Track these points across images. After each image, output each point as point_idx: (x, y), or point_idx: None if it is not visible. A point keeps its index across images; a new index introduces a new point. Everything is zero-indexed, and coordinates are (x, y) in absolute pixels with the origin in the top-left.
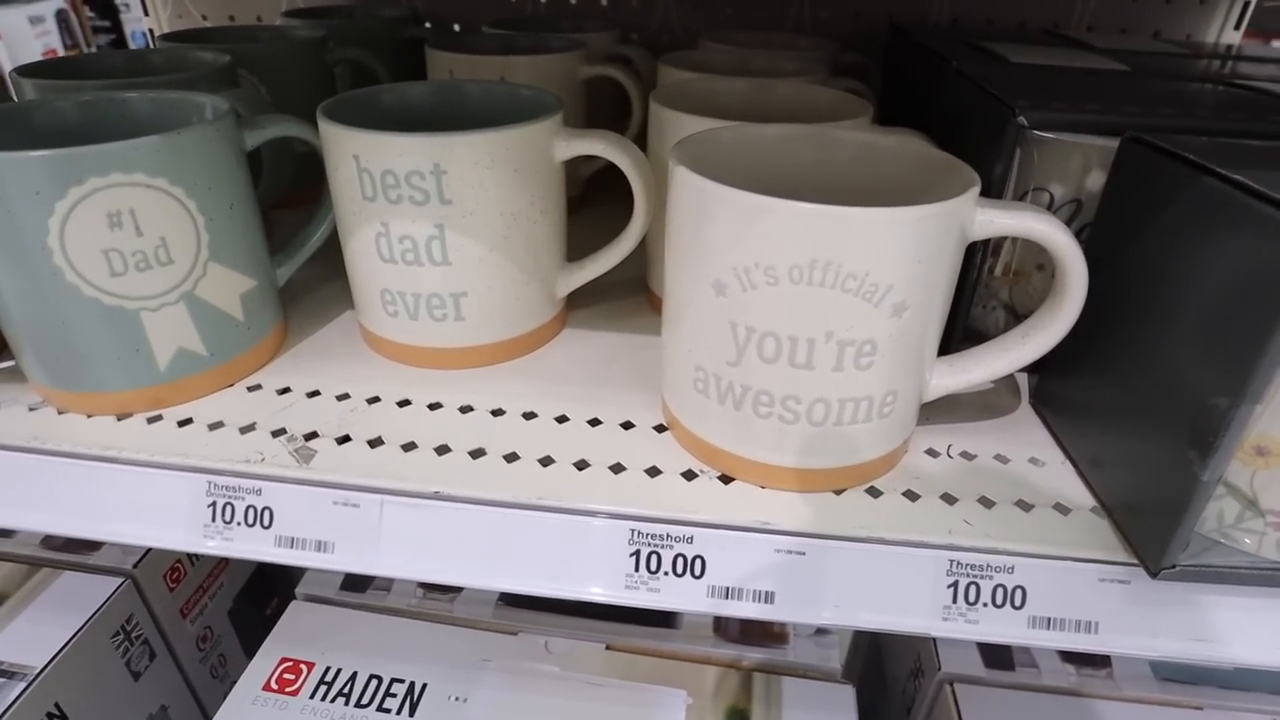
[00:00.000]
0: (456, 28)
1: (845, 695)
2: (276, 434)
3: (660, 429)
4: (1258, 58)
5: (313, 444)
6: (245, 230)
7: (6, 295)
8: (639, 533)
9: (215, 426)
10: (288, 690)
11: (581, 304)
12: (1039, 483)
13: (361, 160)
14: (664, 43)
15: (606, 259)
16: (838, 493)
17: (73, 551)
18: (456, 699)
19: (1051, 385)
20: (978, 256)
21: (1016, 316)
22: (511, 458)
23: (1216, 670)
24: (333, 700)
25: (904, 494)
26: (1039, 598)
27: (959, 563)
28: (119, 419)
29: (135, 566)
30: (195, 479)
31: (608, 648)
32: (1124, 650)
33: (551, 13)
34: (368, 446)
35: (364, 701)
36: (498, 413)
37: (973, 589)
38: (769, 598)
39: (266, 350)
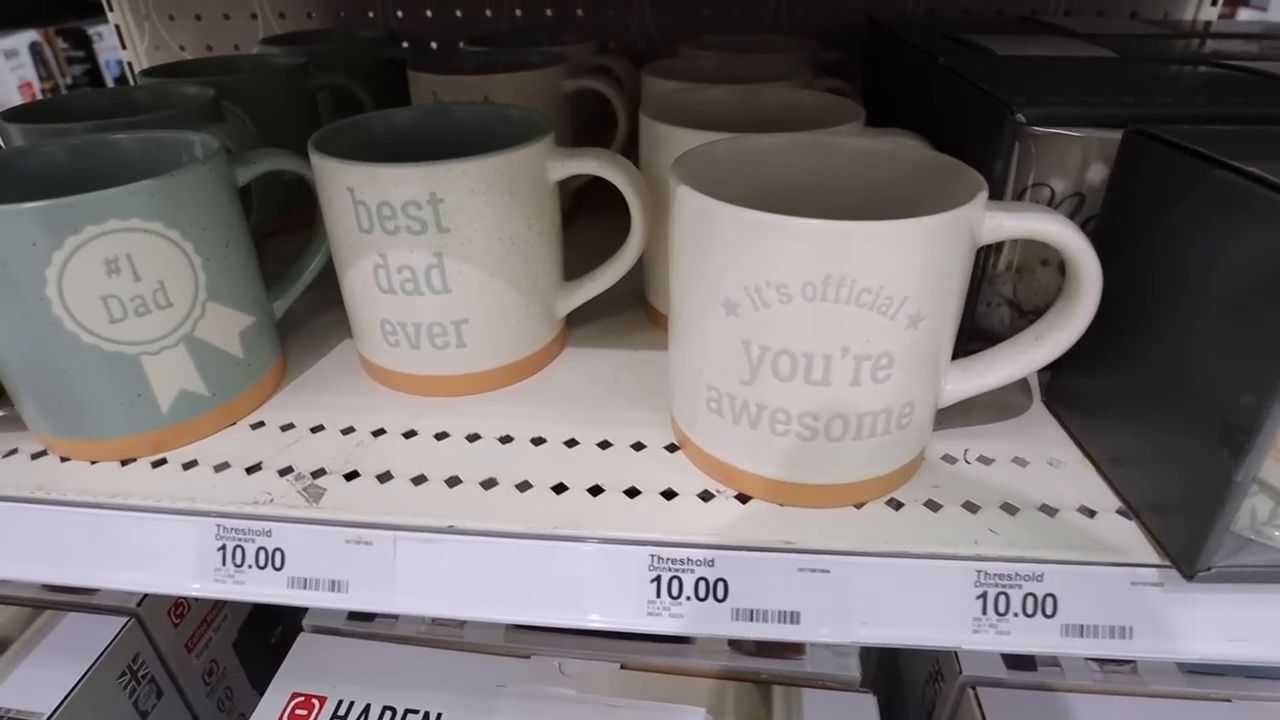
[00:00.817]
0: (434, 45)
1: (867, 705)
2: (283, 473)
3: (672, 448)
4: (1239, 34)
5: (321, 481)
6: (242, 267)
7: (5, 345)
8: (659, 558)
9: (221, 468)
10: None
11: (580, 321)
12: (1061, 485)
13: (356, 193)
14: (641, 49)
15: (605, 277)
16: (858, 506)
17: (75, 592)
18: None
19: (1065, 383)
20: (981, 254)
21: (1021, 313)
22: (524, 486)
23: None
24: None
25: (925, 504)
26: (1071, 605)
27: (987, 573)
28: (123, 464)
29: (139, 605)
30: (204, 522)
31: (622, 667)
32: (1161, 655)
33: (528, 24)
34: (377, 481)
35: None
36: (505, 439)
37: (1002, 599)
38: (794, 618)
39: (267, 386)
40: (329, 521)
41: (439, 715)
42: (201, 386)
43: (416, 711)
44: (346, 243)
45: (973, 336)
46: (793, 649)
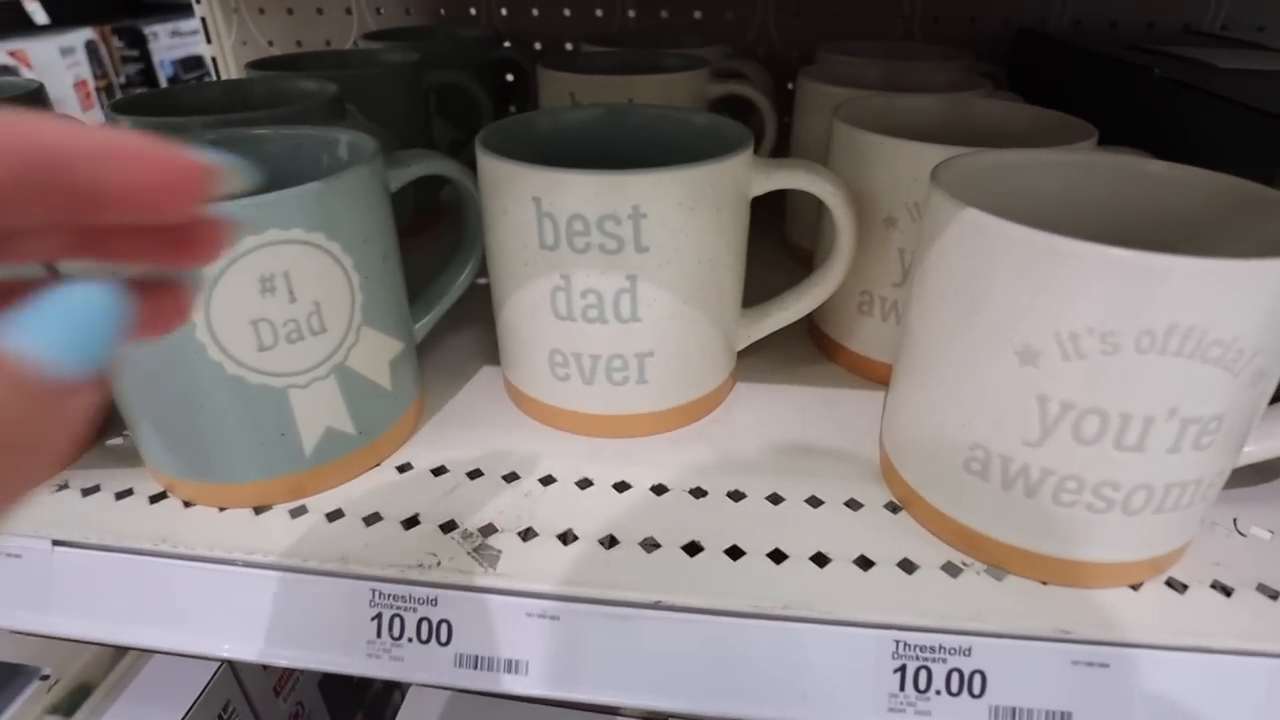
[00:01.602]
0: (538, 46)
1: None
2: (446, 528)
3: (893, 507)
4: None
5: (493, 540)
6: (395, 287)
7: (134, 375)
8: (905, 644)
9: (372, 520)
10: None
11: (742, 354)
12: None
13: (544, 203)
14: (760, 55)
15: (797, 306)
16: (1134, 588)
17: None
18: None
19: None
20: None
21: None
22: (734, 553)
23: None
24: None
25: (1212, 586)
26: None
27: None
28: (256, 512)
29: (268, 665)
30: (357, 586)
31: None
32: None
33: (640, 25)
34: (559, 543)
35: None
36: (698, 493)
37: None
38: (1065, 718)
39: (409, 422)
40: (507, 591)
41: None
42: (349, 424)
43: None
44: (520, 260)
45: None
46: None
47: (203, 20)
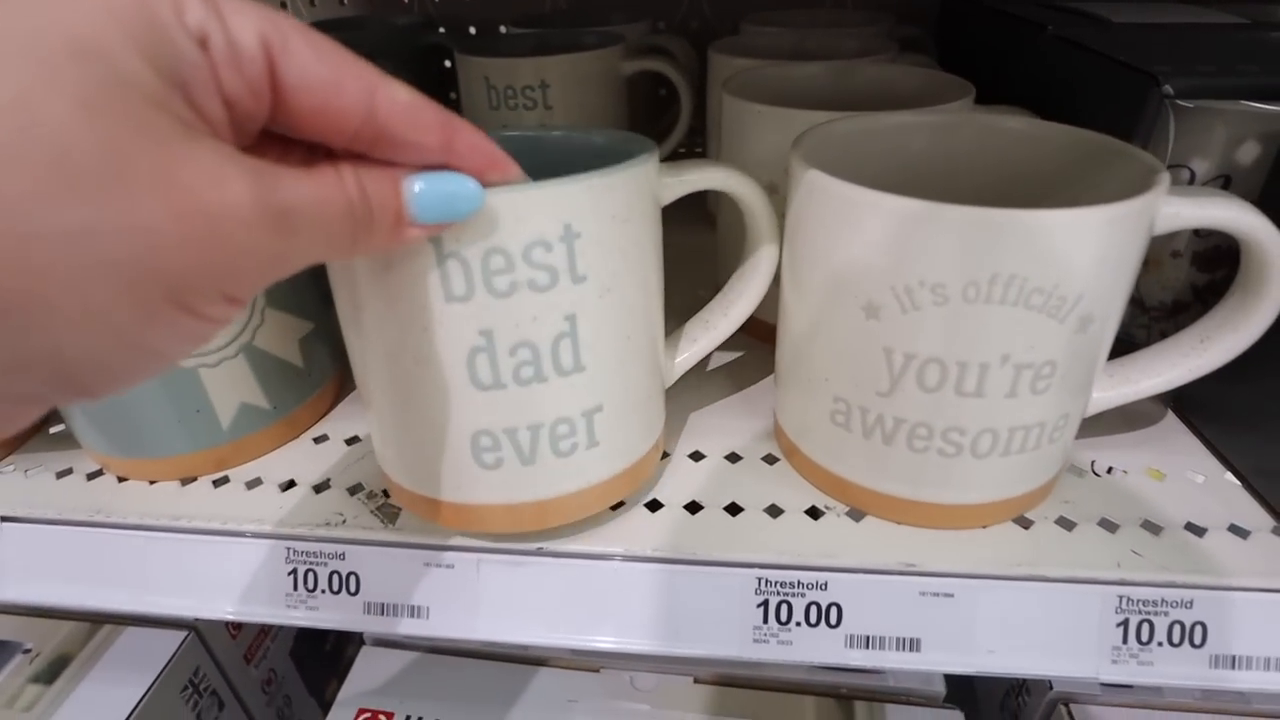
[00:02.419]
0: (473, 30)
1: None
2: (353, 491)
3: (770, 459)
4: None
5: (394, 500)
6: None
7: None
8: (767, 581)
9: (287, 486)
10: None
11: None
12: (1205, 501)
13: (445, 243)
14: (693, 30)
15: (724, 324)
16: (985, 527)
17: None
18: None
19: (1204, 390)
20: None
21: (1144, 309)
22: (616, 506)
23: None
24: None
25: (1057, 522)
26: (1222, 634)
27: (1129, 599)
28: (183, 484)
29: (197, 618)
30: (274, 546)
31: (695, 680)
32: None
33: (571, 7)
34: None
35: None
36: None
37: (1145, 627)
38: (915, 645)
39: (328, 397)
40: (406, 544)
41: None
42: (263, 399)
43: None
44: (417, 326)
45: None
46: None
47: None
